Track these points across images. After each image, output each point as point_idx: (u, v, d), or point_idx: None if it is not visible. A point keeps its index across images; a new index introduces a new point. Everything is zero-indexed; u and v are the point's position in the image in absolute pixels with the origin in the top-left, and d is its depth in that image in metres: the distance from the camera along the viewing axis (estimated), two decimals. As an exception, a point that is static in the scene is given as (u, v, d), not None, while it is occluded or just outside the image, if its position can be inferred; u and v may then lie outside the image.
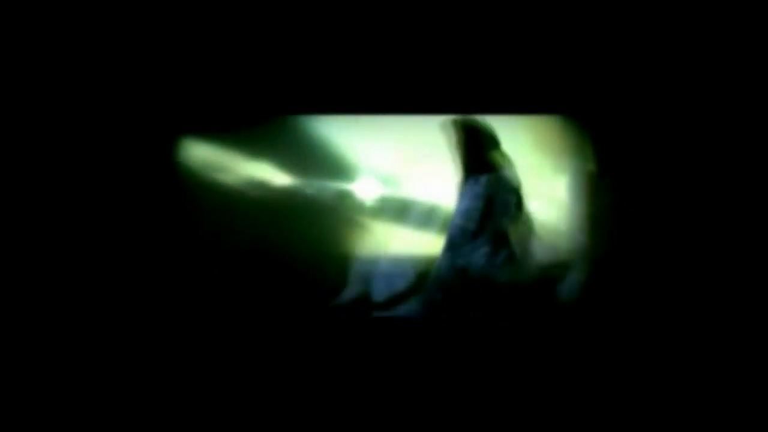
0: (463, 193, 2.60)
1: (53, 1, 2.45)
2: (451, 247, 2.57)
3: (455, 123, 2.60)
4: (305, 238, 2.68)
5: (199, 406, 2.36)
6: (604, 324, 2.43)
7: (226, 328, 2.50)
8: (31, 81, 2.46)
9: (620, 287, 2.43)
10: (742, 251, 2.36)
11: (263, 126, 2.66)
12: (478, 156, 2.60)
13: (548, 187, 2.63)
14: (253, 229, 2.67)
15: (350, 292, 2.67)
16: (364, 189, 2.74)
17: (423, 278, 2.64)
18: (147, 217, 2.53)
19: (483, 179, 2.57)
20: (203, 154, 2.67)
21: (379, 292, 2.68)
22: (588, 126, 2.52)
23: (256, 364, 2.44)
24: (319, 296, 2.64)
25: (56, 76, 2.48)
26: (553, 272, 2.57)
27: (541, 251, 2.58)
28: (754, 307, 2.33)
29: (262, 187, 2.71)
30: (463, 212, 2.57)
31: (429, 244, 2.67)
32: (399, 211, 2.73)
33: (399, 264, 2.70)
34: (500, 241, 2.54)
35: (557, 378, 2.37)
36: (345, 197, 2.73)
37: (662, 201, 2.43)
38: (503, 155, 2.60)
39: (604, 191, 2.51)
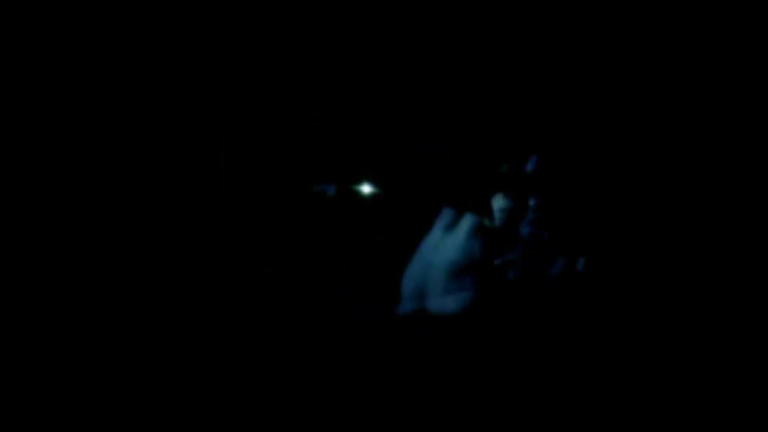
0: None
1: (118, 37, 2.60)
2: (519, 253, 2.53)
3: None
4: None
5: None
6: (602, 322, 2.44)
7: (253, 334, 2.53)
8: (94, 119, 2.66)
9: (619, 287, 2.45)
10: (743, 253, 2.37)
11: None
12: None
13: (548, 187, 2.64)
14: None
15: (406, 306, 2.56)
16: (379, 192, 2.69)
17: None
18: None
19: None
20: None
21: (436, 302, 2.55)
22: (586, 126, 2.54)
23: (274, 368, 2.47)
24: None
25: (109, 105, 2.67)
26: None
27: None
28: (752, 307, 2.34)
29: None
30: (534, 221, 2.53)
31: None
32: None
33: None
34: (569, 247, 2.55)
35: (558, 373, 2.40)
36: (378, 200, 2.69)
37: (663, 201, 2.44)
38: None
39: (602, 191, 2.52)
